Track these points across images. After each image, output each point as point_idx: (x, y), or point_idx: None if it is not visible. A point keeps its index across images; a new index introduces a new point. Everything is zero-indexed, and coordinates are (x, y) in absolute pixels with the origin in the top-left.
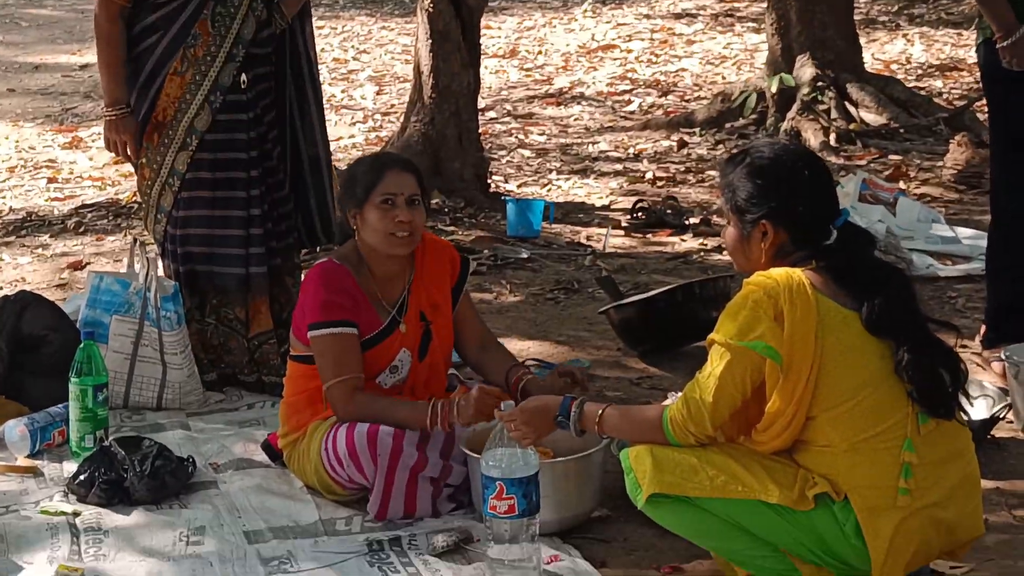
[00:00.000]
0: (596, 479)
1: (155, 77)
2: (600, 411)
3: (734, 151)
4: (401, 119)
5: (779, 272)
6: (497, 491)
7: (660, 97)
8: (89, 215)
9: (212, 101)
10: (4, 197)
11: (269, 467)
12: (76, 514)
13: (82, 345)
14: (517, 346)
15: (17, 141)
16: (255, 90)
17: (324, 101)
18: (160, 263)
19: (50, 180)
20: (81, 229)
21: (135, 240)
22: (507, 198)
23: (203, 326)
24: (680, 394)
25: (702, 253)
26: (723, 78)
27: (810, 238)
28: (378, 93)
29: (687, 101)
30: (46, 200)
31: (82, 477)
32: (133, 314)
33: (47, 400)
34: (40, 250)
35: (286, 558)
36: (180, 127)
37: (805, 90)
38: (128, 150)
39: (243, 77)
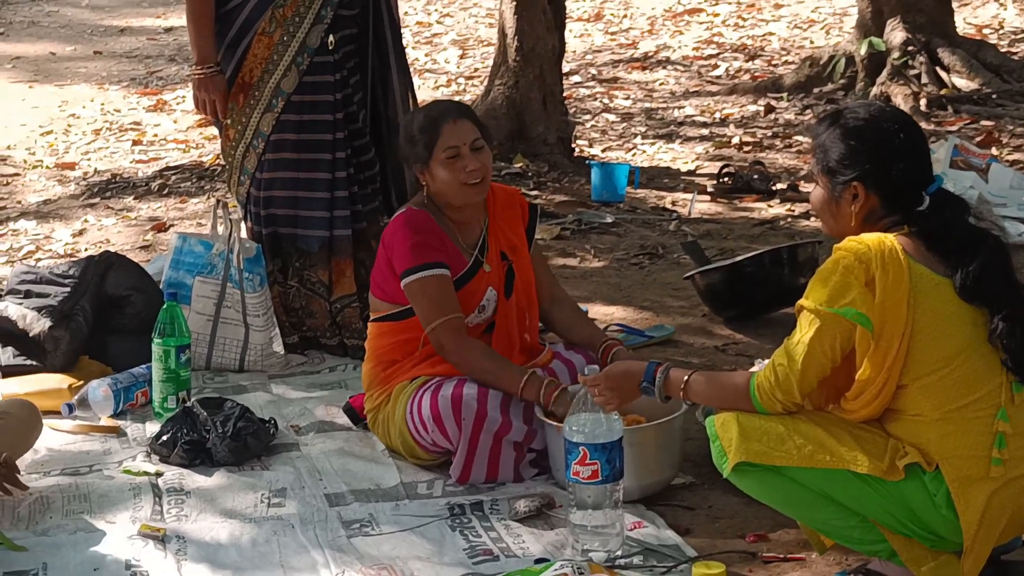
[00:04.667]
0: (678, 445)
1: (242, 37)
2: (686, 377)
3: (827, 112)
4: (484, 83)
5: (871, 237)
6: (580, 456)
7: (747, 61)
8: (173, 177)
9: (299, 62)
10: (89, 159)
11: (351, 430)
12: (159, 474)
13: (165, 306)
14: (601, 311)
15: (103, 104)
16: (341, 52)
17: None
18: (243, 225)
19: (135, 143)
20: (165, 191)
21: (218, 202)
22: (592, 162)
23: (285, 289)
24: (768, 361)
25: (789, 219)
26: (811, 42)
27: (902, 203)
28: (461, 57)
29: (774, 65)
30: (130, 162)
31: (165, 438)
32: (216, 276)
33: (130, 360)
34: (124, 212)
35: (367, 521)
36: (266, 88)
37: (895, 54)
38: (217, 109)
39: (330, 38)
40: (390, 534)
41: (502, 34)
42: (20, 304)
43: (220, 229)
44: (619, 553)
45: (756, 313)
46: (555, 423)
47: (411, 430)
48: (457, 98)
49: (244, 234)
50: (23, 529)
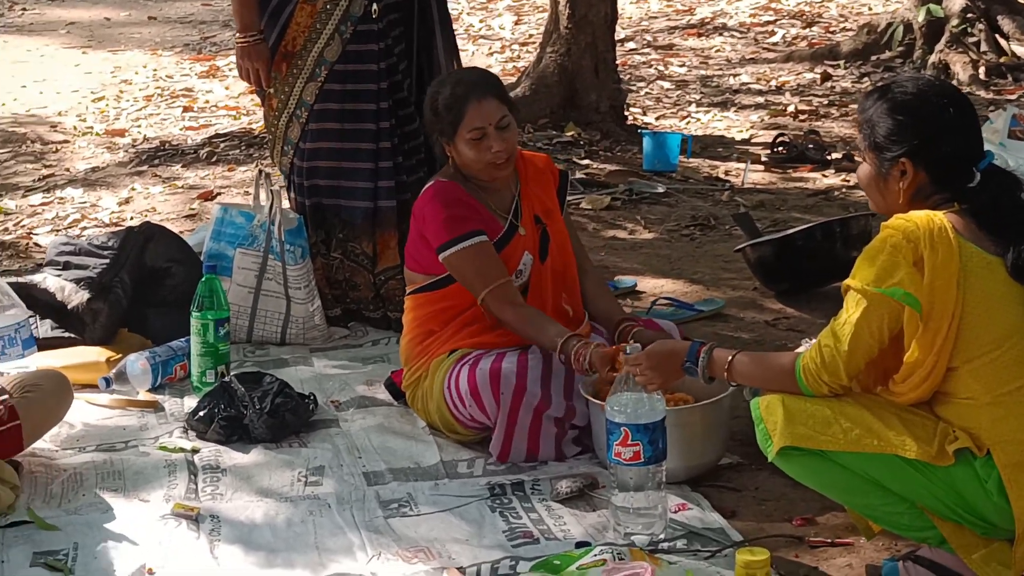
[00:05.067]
0: (725, 425)
1: (285, 5)
2: (730, 357)
3: (874, 85)
4: (538, 49)
5: (920, 215)
6: (622, 437)
7: (804, 28)
8: (222, 145)
9: (342, 31)
10: (139, 126)
11: (391, 406)
12: (195, 451)
13: (204, 279)
14: (651, 284)
15: (155, 70)
16: (386, 20)
17: (460, 32)
18: (285, 196)
19: (185, 109)
20: (213, 159)
21: (260, 172)
22: (644, 131)
23: (328, 260)
24: (814, 341)
25: (844, 190)
26: (869, 9)
27: (952, 180)
28: (516, 23)
29: (831, 32)
30: (180, 129)
31: (201, 413)
32: (257, 247)
33: (170, 333)
34: (171, 180)
35: (405, 501)
36: (309, 57)
37: (954, 22)
38: (261, 77)
39: (374, 7)
40: (428, 515)
41: (554, 1)
42: (59, 276)
43: (263, 199)
44: (662, 536)
45: (808, 287)
46: (598, 400)
47: (449, 405)
48: (511, 64)
49: (287, 205)
50: (55, 507)
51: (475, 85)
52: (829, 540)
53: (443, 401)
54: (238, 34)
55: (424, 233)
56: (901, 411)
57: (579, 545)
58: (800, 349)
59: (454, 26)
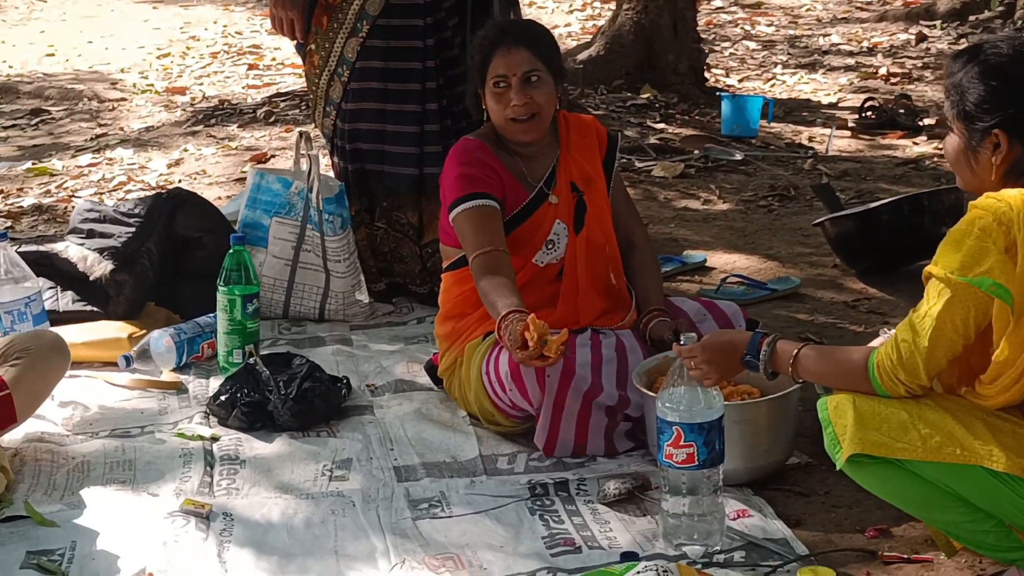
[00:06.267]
0: (793, 422)
1: None
2: (796, 351)
3: (964, 47)
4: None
5: (1014, 194)
6: (674, 437)
7: None
8: (282, 104)
9: None
10: (202, 84)
11: (431, 391)
12: (214, 439)
13: (231, 251)
14: (723, 259)
15: (225, 26)
16: None
17: None
18: (326, 160)
19: (251, 67)
20: (271, 119)
21: (300, 134)
22: (723, 94)
23: (372, 231)
24: (893, 332)
25: (936, 159)
26: None
27: None
28: None
29: None
30: (243, 88)
31: (223, 398)
32: (295, 216)
33: (202, 308)
34: (226, 141)
35: (437, 500)
36: (351, 10)
37: None
38: (296, 29)
39: None
40: (461, 516)
41: None
42: (82, 244)
43: (303, 165)
44: (718, 548)
45: (893, 266)
46: (652, 393)
47: (488, 391)
48: (591, 23)
49: (327, 170)
50: (57, 500)
51: (507, 32)
52: (905, 556)
53: (482, 388)
54: None
55: (444, 196)
56: (988, 416)
57: (624, 557)
58: (875, 342)
59: None
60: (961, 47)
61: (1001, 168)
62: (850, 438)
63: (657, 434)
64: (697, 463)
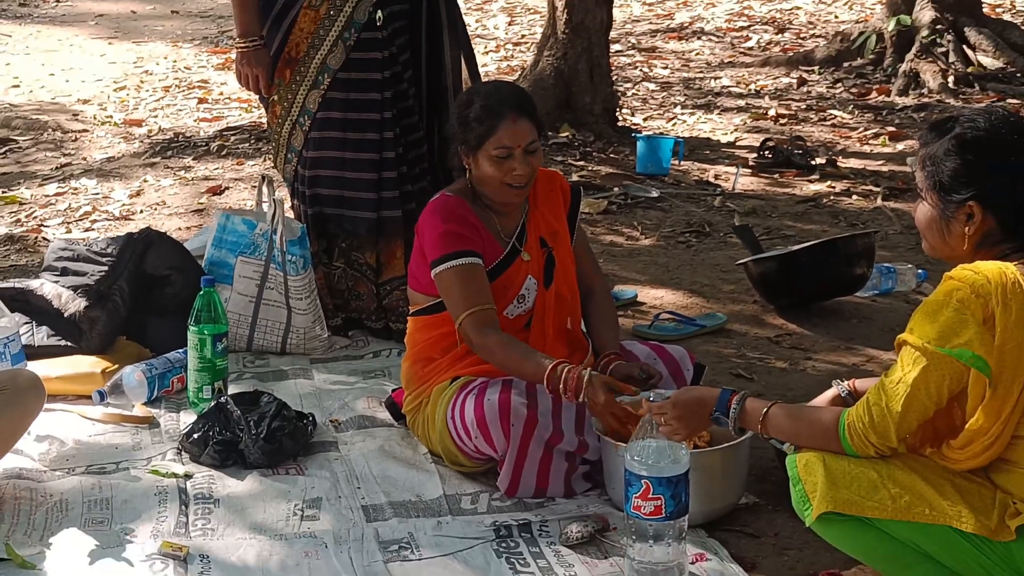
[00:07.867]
0: (745, 467)
1: (288, 10)
2: (765, 409)
3: (938, 118)
4: (532, 49)
5: (990, 267)
6: (643, 490)
7: (776, 34)
8: (232, 138)
9: (346, 38)
10: (156, 116)
11: (392, 427)
12: (187, 476)
13: (202, 292)
14: (651, 295)
15: (175, 61)
16: (391, 28)
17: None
18: (288, 204)
19: (200, 100)
20: (223, 152)
21: (263, 178)
22: (637, 135)
23: (330, 270)
24: (845, 383)
25: (831, 196)
26: (836, 16)
27: None
28: (510, 23)
29: (802, 39)
30: (194, 120)
31: (196, 435)
32: (259, 256)
33: (170, 342)
34: (183, 172)
35: (407, 542)
36: (312, 64)
37: (924, 32)
38: (260, 84)
39: (379, 14)
40: (430, 559)
41: (552, 6)
42: (56, 282)
43: (265, 206)
44: None
45: (809, 303)
46: (612, 440)
47: (453, 436)
48: (505, 64)
49: (290, 213)
50: (36, 541)
51: (513, 103)
52: None
53: (446, 431)
54: (238, 39)
55: (424, 248)
56: (955, 477)
57: None
58: (832, 392)
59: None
60: (936, 118)
61: (973, 239)
62: (821, 496)
63: (625, 486)
64: (664, 515)
